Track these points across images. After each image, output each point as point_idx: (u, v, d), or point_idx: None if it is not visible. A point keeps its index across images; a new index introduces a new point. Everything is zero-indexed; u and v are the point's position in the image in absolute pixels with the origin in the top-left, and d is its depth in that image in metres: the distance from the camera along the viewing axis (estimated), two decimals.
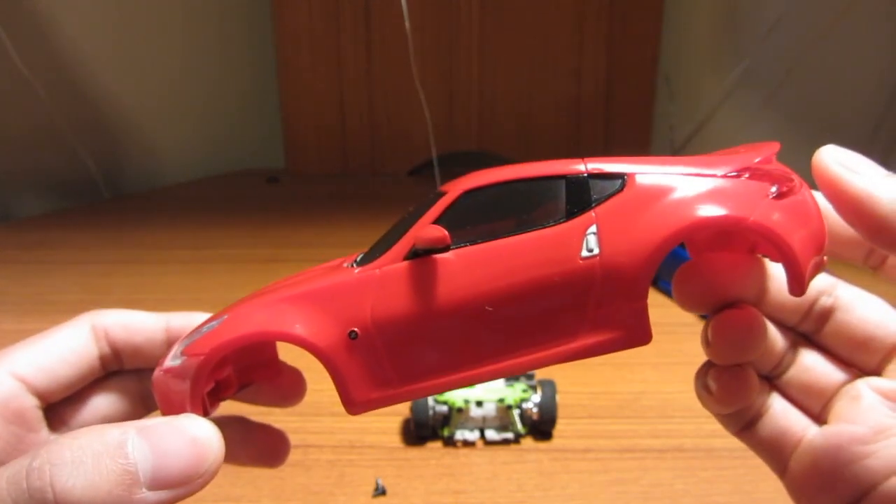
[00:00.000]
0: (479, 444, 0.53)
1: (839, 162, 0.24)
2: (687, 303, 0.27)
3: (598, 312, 0.24)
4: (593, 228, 0.23)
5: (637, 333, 0.24)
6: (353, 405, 0.24)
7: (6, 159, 1.10)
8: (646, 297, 0.24)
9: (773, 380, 0.29)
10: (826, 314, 0.27)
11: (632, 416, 0.56)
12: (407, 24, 0.89)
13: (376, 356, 0.24)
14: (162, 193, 1.26)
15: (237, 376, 0.29)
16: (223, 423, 0.24)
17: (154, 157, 1.29)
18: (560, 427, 0.54)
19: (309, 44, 1.27)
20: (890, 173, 0.24)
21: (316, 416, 0.55)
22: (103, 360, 0.30)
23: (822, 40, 1.14)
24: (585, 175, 0.24)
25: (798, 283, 0.23)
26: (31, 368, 0.28)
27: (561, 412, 0.53)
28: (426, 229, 0.24)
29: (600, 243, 0.23)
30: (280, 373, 0.31)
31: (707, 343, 0.27)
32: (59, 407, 0.30)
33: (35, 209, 1.14)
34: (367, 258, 0.26)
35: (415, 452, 0.52)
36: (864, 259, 0.27)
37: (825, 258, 0.25)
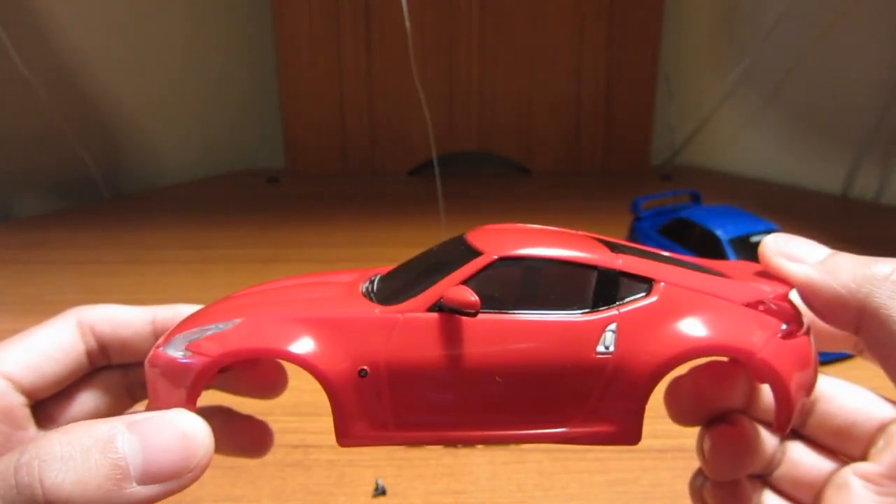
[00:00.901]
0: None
1: (780, 252, 0.26)
2: (679, 417, 0.28)
3: (598, 405, 0.25)
4: (613, 326, 0.24)
5: (628, 433, 0.25)
6: (346, 438, 0.25)
7: (6, 159, 1.10)
8: (646, 401, 0.25)
9: (764, 477, 0.29)
10: (809, 408, 0.28)
11: None
12: (407, 24, 0.89)
13: (380, 398, 0.25)
14: (162, 193, 1.26)
15: None
16: (206, 414, 0.24)
17: (154, 157, 1.29)
18: None
19: (309, 44, 1.27)
20: (830, 253, 0.25)
21: (316, 416, 0.55)
22: (90, 355, 0.30)
23: (822, 40, 1.14)
24: (617, 271, 0.25)
25: (784, 424, 0.25)
26: (17, 366, 0.28)
27: None
28: (458, 291, 0.24)
29: (617, 343, 0.24)
30: (258, 362, 0.31)
31: (704, 459, 0.28)
32: (46, 404, 0.29)
33: (35, 209, 1.14)
34: (388, 294, 0.26)
35: (415, 452, 0.52)
36: (852, 347, 0.28)
37: (811, 399, 0.27)
